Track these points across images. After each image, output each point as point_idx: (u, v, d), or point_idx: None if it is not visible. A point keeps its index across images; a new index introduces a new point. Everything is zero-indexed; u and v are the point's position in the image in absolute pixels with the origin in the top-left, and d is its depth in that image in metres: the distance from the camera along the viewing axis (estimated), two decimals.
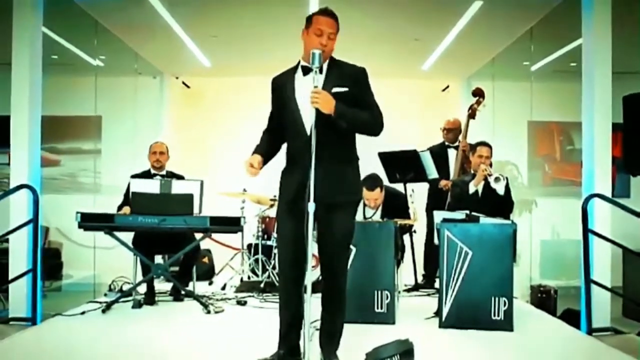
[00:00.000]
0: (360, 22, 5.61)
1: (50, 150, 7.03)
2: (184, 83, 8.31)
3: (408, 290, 5.73)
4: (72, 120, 7.09)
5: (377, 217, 5.09)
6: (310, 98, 2.88)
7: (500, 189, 4.72)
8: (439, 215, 4.45)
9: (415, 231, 5.72)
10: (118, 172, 6.39)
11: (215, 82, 8.20)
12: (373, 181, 4.95)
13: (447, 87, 8.19)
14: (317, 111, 2.89)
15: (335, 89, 3.00)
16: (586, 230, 4.24)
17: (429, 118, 7.76)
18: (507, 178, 4.88)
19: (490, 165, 4.98)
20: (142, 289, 5.13)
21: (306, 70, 3.05)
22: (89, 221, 4.70)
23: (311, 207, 2.80)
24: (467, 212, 4.42)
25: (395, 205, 5.16)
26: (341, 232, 3.09)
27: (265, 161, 3.18)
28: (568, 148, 7.64)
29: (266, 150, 3.19)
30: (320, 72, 3.02)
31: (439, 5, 5.32)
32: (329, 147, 2.97)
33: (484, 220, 4.33)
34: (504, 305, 4.14)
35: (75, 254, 6.54)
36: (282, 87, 3.14)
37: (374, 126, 3.08)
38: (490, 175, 4.77)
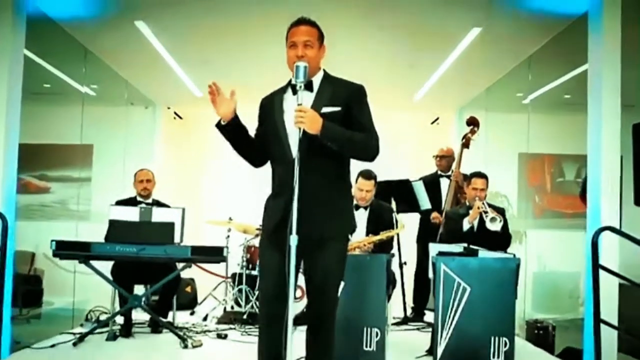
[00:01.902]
0: (352, 44, 5.17)
1: (40, 178, 6.68)
2: (175, 114, 7.86)
3: (397, 324, 5.20)
4: (63, 148, 6.66)
5: (362, 230, 4.52)
6: (294, 117, 2.40)
7: (496, 228, 4.21)
8: (434, 248, 3.93)
9: (405, 263, 5.21)
10: (108, 200, 5.99)
11: (206, 111, 7.71)
12: (369, 172, 4.41)
13: (437, 119, 7.73)
14: (304, 132, 2.41)
15: (325, 109, 2.51)
16: (596, 266, 3.71)
17: (419, 150, 7.31)
18: (504, 216, 4.39)
19: (485, 197, 4.50)
20: (121, 319, 4.62)
21: (294, 89, 2.54)
22: (65, 249, 4.23)
23: (293, 240, 2.31)
24: (465, 245, 3.91)
25: (380, 218, 4.57)
26: (331, 270, 2.55)
27: (237, 136, 2.68)
28: (558, 180, 7.22)
29: (247, 135, 2.68)
30: (310, 89, 2.55)
31: (437, 29, 4.86)
32: (318, 173, 2.49)
33: (483, 253, 3.82)
34: (505, 345, 3.60)
35: (57, 280, 6.03)
36: (269, 107, 2.65)
37: (368, 149, 2.56)
38: (486, 213, 4.26)
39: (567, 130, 6.40)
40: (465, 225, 4.36)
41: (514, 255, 3.92)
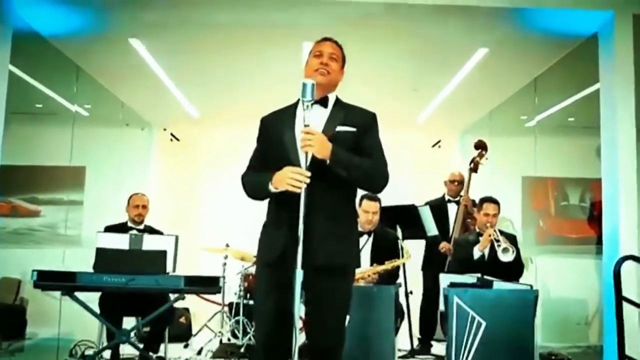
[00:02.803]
0: (356, 66, 4.87)
1: (31, 201, 6.29)
2: (172, 135, 7.55)
3: (404, 357, 4.83)
4: (54, 170, 6.33)
5: (366, 256, 4.16)
6: (301, 140, 2.12)
7: (508, 259, 3.89)
8: (445, 279, 3.60)
9: (411, 292, 4.86)
10: (101, 224, 5.67)
11: (204, 133, 7.45)
12: (372, 195, 4.10)
13: (439, 142, 7.45)
14: (313, 156, 2.15)
15: (340, 127, 2.26)
16: (620, 298, 3.38)
17: (420, 172, 7.01)
18: (515, 244, 4.08)
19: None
20: (108, 352, 4.23)
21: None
22: (48, 280, 3.79)
23: (299, 275, 2.01)
24: (479, 275, 3.58)
25: (385, 245, 4.27)
26: (338, 305, 2.27)
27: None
28: (562, 204, 6.93)
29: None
30: (325, 105, 2.30)
31: (443, 50, 4.59)
32: (327, 199, 2.21)
33: (499, 284, 3.49)
34: None
35: (42, 309, 5.64)
36: (277, 125, 2.35)
37: (377, 178, 2.33)
38: (498, 241, 3.94)
39: (572, 153, 6.18)
40: (476, 254, 4.03)
41: (531, 286, 3.58)
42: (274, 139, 2.33)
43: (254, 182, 2.36)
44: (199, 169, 7.53)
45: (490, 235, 3.97)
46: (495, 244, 3.95)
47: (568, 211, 6.83)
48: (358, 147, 2.27)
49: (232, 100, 6.15)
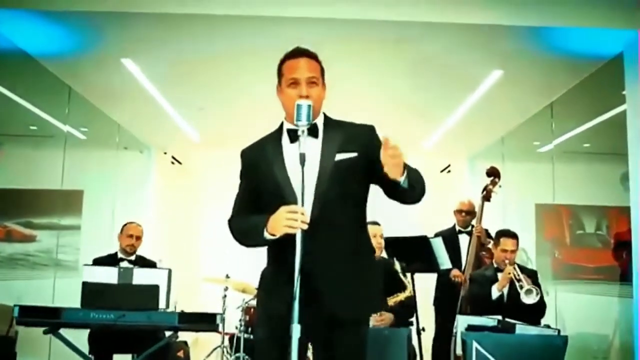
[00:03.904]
0: (360, 87, 4.61)
1: (26, 225, 6.00)
2: (174, 158, 7.28)
3: None
4: (50, 194, 6.06)
5: None
6: (389, 158, 1.77)
7: (532, 301, 3.53)
8: (463, 321, 3.25)
9: (424, 329, 4.50)
10: (99, 250, 5.40)
11: (205, 156, 7.20)
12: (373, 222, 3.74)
13: (448, 167, 7.13)
14: (319, 186, 1.86)
15: (340, 156, 1.92)
16: None
17: (429, 199, 6.66)
18: (537, 280, 3.74)
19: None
20: None
21: (294, 136, 1.92)
22: (31, 316, 3.51)
23: (295, 330, 1.70)
24: (499, 317, 3.23)
25: (390, 277, 3.89)
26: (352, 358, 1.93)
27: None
28: (578, 232, 6.59)
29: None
30: (315, 134, 1.95)
31: (456, 71, 4.30)
32: (339, 236, 1.90)
33: (522, 328, 3.14)
34: None
35: (32, 339, 5.32)
36: (262, 161, 2.01)
37: (424, 185, 1.99)
38: (519, 281, 3.59)
39: (588, 180, 5.89)
40: (495, 294, 3.68)
41: (559, 331, 3.23)
42: (261, 175, 1.99)
43: (246, 230, 2.00)
44: (201, 194, 7.30)
45: (509, 274, 3.63)
46: (517, 284, 3.60)
47: (584, 240, 6.53)
48: (365, 169, 1.94)
49: (234, 123, 5.88)
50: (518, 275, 3.63)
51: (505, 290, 3.71)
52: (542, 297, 3.72)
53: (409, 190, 1.86)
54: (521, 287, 3.56)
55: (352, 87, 4.48)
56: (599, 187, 5.77)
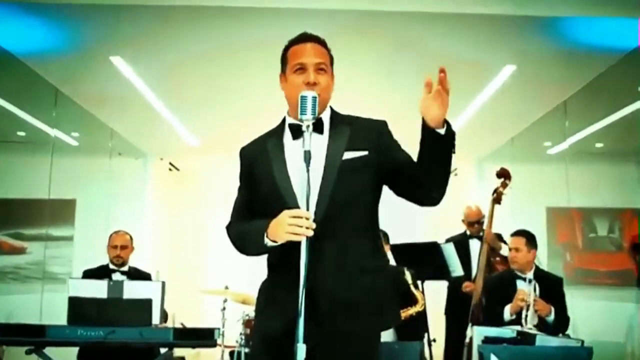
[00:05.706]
0: (361, 85, 4.40)
1: (15, 237, 5.93)
2: (172, 164, 7.08)
3: None
4: (40, 203, 5.87)
5: None
6: (431, 99, 1.68)
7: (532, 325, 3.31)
8: (479, 333, 3.02)
9: (434, 340, 4.28)
10: (92, 262, 5.22)
11: (205, 162, 7.00)
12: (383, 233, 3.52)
13: (455, 169, 6.93)
14: (325, 184, 1.67)
15: (348, 154, 1.71)
16: None
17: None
18: (561, 289, 3.52)
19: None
20: None
21: (297, 132, 1.72)
22: (12, 335, 3.27)
23: (300, 351, 1.52)
24: (518, 328, 3.01)
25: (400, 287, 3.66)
26: None
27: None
28: (590, 235, 6.39)
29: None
30: (320, 131, 1.73)
31: (465, 67, 4.06)
32: (349, 242, 1.69)
33: (543, 339, 2.91)
34: None
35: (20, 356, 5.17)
36: (261, 159, 1.81)
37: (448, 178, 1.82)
38: (532, 307, 3.34)
39: (600, 182, 5.69)
40: (507, 316, 3.45)
41: (582, 342, 2.99)
42: (260, 175, 1.79)
43: (245, 236, 1.80)
44: (200, 202, 7.12)
45: (521, 302, 3.39)
46: (529, 311, 3.35)
47: (597, 243, 6.34)
48: (381, 168, 1.74)
49: (235, 127, 5.65)
50: (528, 300, 3.38)
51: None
52: (564, 305, 3.49)
53: (448, 156, 1.68)
54: (530, 315, 3.31)
55: (355, 84, 4.27)
56: (610, 188, 5.60)
